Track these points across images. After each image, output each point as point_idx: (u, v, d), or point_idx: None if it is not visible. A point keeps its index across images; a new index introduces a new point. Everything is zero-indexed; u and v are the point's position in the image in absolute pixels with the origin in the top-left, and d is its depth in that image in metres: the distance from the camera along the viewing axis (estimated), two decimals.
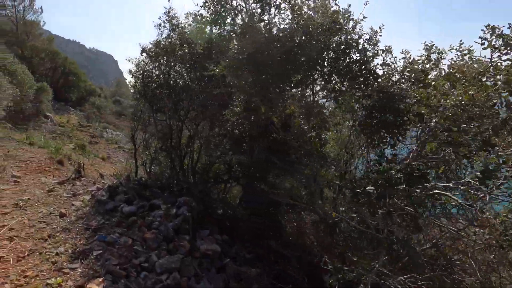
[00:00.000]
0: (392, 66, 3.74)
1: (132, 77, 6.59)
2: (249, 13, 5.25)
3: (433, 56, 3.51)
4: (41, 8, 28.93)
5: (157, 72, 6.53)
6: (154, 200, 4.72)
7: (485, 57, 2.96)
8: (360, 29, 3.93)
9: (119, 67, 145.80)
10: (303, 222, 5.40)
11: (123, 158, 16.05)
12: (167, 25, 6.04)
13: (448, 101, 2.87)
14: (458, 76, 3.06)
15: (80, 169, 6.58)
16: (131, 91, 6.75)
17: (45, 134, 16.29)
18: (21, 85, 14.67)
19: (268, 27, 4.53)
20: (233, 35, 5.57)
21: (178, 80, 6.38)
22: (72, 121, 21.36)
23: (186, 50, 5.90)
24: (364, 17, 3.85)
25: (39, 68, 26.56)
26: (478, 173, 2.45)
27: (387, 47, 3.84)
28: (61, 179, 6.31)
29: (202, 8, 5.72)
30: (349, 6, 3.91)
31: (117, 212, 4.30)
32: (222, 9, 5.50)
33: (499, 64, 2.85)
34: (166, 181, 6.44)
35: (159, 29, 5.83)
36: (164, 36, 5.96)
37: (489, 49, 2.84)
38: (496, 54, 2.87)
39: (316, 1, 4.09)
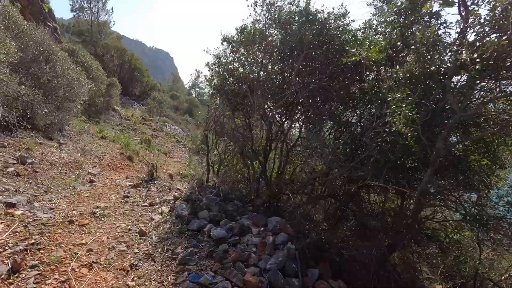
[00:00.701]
0: None
1: (209, 70, 5.78)
2: None
3: None
4: (112, 9, 30.66)
5: (237, 64, 5.62)
6: (242, 220, 3.84)
7: None
8: None
9: (175, 64, 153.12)
10: None
11: (183, 152, 15.96)
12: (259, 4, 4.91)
13: None
14: None
15: (153, 172, 6.02)
16: (207, 86, 6.00)
17: (114, 127, 16.88)
18: (95, 80, 15.22)
19: None
20: None
21: (272, 74, 5.33)
22: (136, 115, 22.13)
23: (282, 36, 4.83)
24: None
25: (109, 65, 28.11)
26: None
27: None
28: (134, 181, 5.82)
29: None
30: None
31: (203, 235, 3.50)
32: None
33: None
34: (243, 191, 5.55)
35: (254, 9, 4.80)
36: (255, 18, 4.92)
37: None
38: None
39: None
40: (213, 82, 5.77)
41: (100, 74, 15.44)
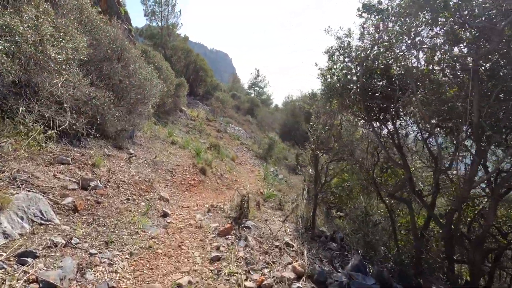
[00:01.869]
0: None
1: (328, 61, 3.87)
2: None
3: None
4: (180, 11, 31.04)
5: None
6: None
7: None
8: None
9: (233, 64, 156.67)
10: None
11: (249, 157, 14.55)
12: None
13: None
14: None
15: (243, 209, 4.29)
16: (320, 83, 4.21)
17: (181, 128, 16.25)
18: (165, 80, 14.68)
19: None
20: None
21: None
22: (201, 115, 21.56)
23: None
24: None
25: (176, 66, 28.36)
26: None
27: None
28: (220, 221, 4.25)
29: None
30: None
31: None
32: None
33: None
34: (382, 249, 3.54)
35: None
36: None
37: None
38: None
39: None
40: (331, 78, 3.87)
41: (170, 75, 14.89)
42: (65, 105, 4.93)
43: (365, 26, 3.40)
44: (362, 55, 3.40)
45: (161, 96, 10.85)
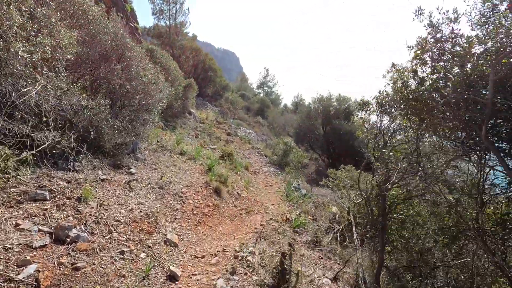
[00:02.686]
0: None
1: (414, 59, 2.58)
2: None
3: None
4: (188, 9, 29.91)
5: None
6: None
7: None
8: None
9: (240, 63, 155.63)
10: None
11: (263, 164, 13.33)
12: None
13: None
14: None
15: (283, 276, 2.99)
16: (392, 91, 2.94)
17: (190, 132, 15.13)
18: (173, 82, 13.57)
19: None
20: None
21: None
22: (210, 117, 20.44)
23: None
24: None
25: (184, 66, 27.31)
26: None
27: None
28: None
29: None
30: None
31: None
32: None
33: None
34: None
35: None
36: None
37: None
38: None
39: None
40: (420, 86, 2.60)
41: (178, 76, 13.79)
42: (45, 118, 3.80)
43: None
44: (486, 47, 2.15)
45: (169, 100, 9.74)
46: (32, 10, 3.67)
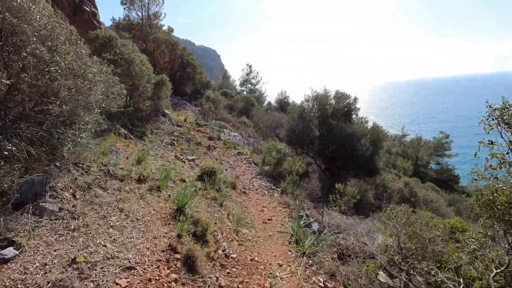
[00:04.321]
0: None
1: None
2: None
3: None
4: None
5: None
6: None
7: None
8: None
9: (222, 61, 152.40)
10: None
11: (253, 176, 10.89)
12: None
13: None
14: None
15: None
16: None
17: (164, 139, 12.43)
18: (139, 78, 10.83)
19: None
20: None
21: None
22: (189, 119, 17.74)
23: None
24: None
25: (160, 61, 24.29)
26: None
27: None
28: None
29: None
30: None
31: None
32: None
33: None
34: None
35: None
36: None
37: None
38: None
39: None
40: None
41: (146, 70, 11.06)
42: None
43: None
44: None
45: (123, 103, 7.08)
46: None
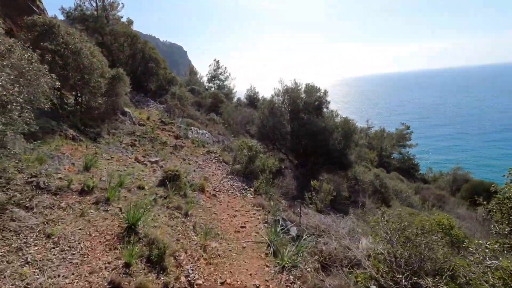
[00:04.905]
0: None
1: None
2: None
3: None
4: None
5: None
6: None
7: None
8: None
9: (188, 57, 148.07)
10: None
11: (223, 176, 10.10)
12: None
13: None
14: None
15: None
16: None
17: (123, 140, 11.17)
18: (89, 72, 9.45)
19: None
20: None
21: None
22: (153, 117, 16.40)
23: None
24: None
25: (119, 56, 22.33)
26: None
27: None
28: None
29: None
30: None
31: None
32: None
33: None
34: None
35: None
36: None
37: None
38: None
39: None
40: None
41: (97, 63, 9.68)
42: None
43: None
44: None
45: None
46: None
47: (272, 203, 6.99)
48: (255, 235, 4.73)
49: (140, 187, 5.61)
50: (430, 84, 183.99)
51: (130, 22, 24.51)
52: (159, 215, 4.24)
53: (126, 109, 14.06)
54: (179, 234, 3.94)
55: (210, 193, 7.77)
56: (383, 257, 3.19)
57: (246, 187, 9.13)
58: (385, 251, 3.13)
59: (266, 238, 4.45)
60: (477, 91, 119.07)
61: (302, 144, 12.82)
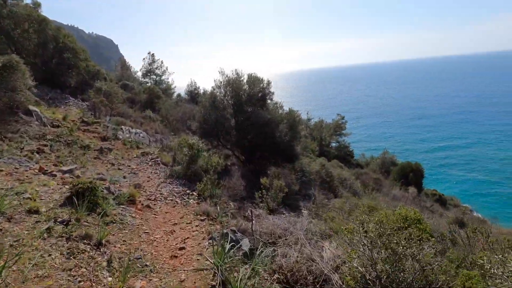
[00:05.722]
0: None
1: None
2: None
3: None
4: None
5: None
6: None
7: None
8: None
9: (120, 51, 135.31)
10: None
11: (162, 179, 8.63)
12: None
13: None
14: None
15: None
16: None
17: (24, 147, 8.79)
18: None
19: None
20: None
21: None
22: (72, 117, 13.68)
23: None
24: None
25: (24, 44, 18.31)
26: None
27: None
28: None
29: None
30: None
31: None
32: None
33: None
34: None
35: None
36: None
37: None
38: None
39: None
40: None
41: None
42: None
43: None
44: None
45: None
46: None
47: (218, 209, 5.95)
48: (198, 259, 3.64)
49: (32, 211, 3.99)
50: (358, 78, 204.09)
51: (36, 5, 20.19)
52: (50, 255, 2.84)
53: (32, 108, 11.28)
54: (80, 281, 2.64)
55: (142, 204, 6.35)
56: (360, 274, 2.48)
57: (188, 191, 7.90)
58: (363, 268, 2.42)
59: (212, 262, 3.42)
60: (395, 84, 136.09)
61: (248, 138, 12.00)
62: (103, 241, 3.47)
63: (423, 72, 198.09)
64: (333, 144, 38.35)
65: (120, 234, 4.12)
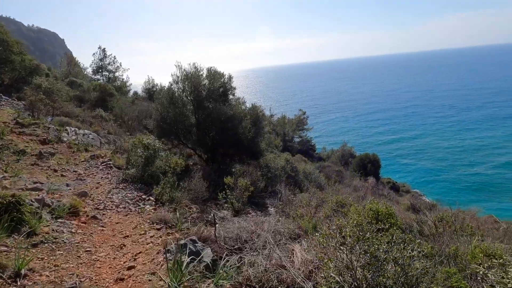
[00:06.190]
0: None
1: None
2: None
3: None
4: None
5: None
6: None
7: None
8: None
9: (67, 46, 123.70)
10: None
11: (114, 185, 7.66)
12: None
13: None
14: None
15: None
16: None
17: None
18: None
19: None
20: None
21: None
22: (4, 118, 11.82)
23: None
24: None
25: None
26: None
27: None
28: None
29: None
30: None
31: None
32: None
33: None
34: None
35: None
36: None
37: None
38: None
39: None
40: None
41: None
42: None
43: None
44: None
45: None
46: None
47: (178, 214, 5.34)
48: (150, 279, 3.06)
49: None
50: (315, 74, 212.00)
51: None
52: None
53: None
54: None
55: (87, 215, 5.48)
56: (338, 284, 2.16)
57: (144, 196, 7.12)
58: (340, 277, 2.10)
59: (168, 283, 2.86)
60: (353, 80, 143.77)
61: (210, 136, 11.38)
62: (23, 271, 2.71)
63: (382, 69, 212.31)
64: (296, 139, 39.12)
65: (51, 257, 3.35)
